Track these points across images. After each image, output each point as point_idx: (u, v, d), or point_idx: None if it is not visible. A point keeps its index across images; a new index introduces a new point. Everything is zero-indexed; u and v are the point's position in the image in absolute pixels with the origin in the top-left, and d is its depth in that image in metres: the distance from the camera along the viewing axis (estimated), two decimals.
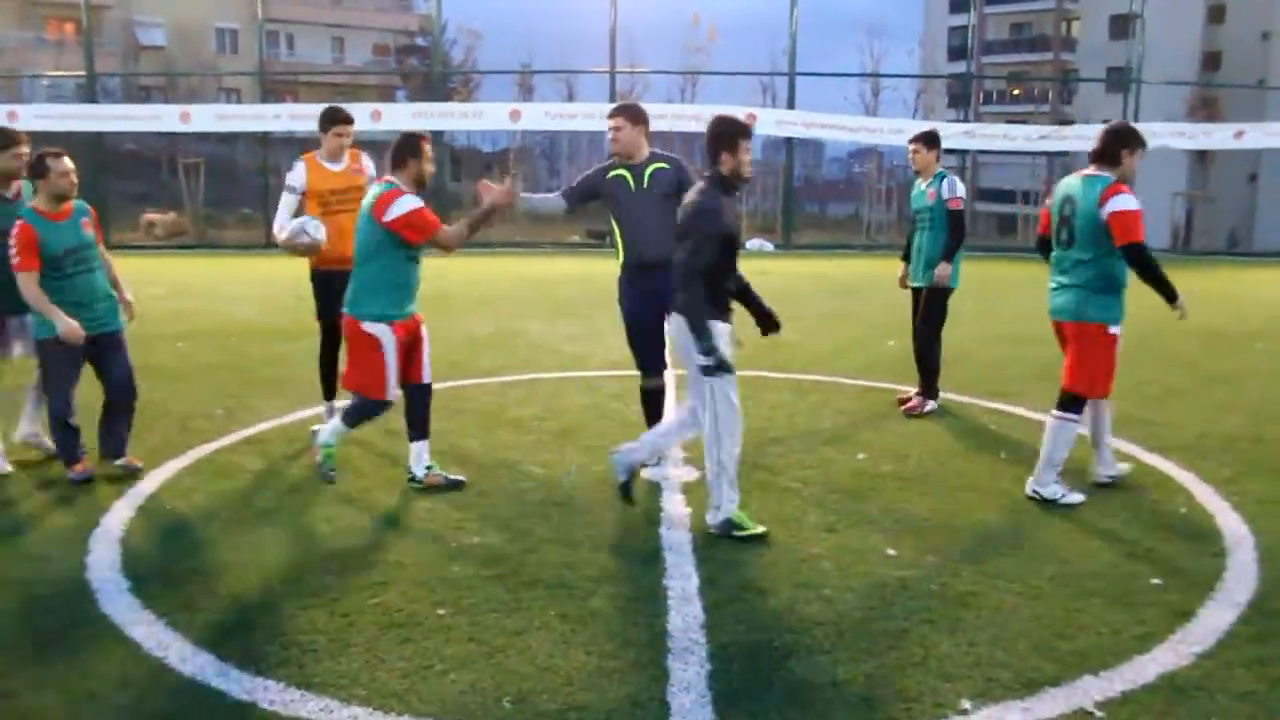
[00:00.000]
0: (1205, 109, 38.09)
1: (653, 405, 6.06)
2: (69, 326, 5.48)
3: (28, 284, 5.45)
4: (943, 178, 7.27)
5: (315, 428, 6.31)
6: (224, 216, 30.13)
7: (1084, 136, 26.57)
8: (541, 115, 26.77)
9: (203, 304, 13.53)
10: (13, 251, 5.42)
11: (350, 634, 3.80)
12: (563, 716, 3.24)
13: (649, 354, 5.94)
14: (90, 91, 26.22)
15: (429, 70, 30.80)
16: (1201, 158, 38.54)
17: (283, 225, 6.34)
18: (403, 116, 27.34)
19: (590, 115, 25.67)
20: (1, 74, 37.21)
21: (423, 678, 3.47)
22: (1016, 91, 54.07)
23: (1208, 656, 3.65)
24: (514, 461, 6.05)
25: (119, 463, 5.80)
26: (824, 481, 5.68)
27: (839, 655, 3.63)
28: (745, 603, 4.08)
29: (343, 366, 5.78)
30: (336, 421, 5.64)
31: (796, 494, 5.44)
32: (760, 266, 18.25)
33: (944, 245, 7.18)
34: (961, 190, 7.30)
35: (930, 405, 7.29)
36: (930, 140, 7.44)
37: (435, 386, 7.96)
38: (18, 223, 5.45)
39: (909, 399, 7.36)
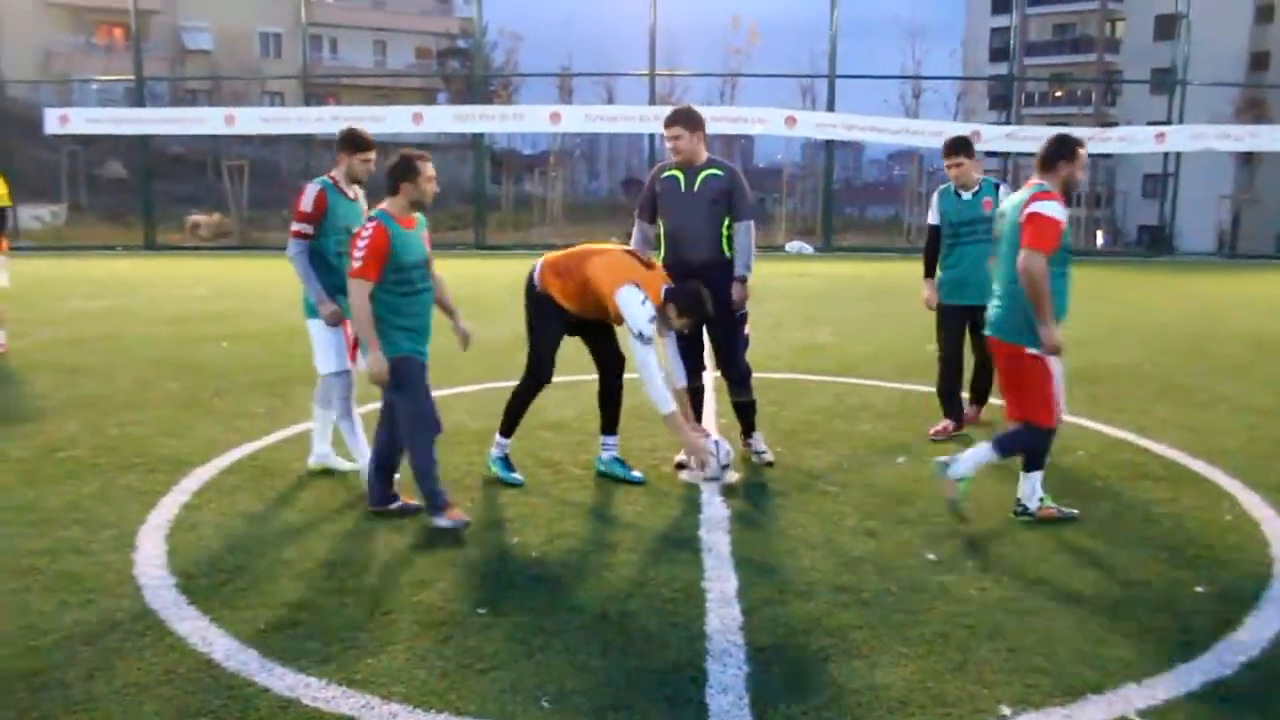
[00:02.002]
0: (1253, 110, 37.46)
1: (692, 406, 6.07)
2: (377, 363, 4.87)
3: (360, 292, 4.83)
4: (995, 186, 6.85)
5: (942, 459, 5.25)
6: (268, 218, 30.50)
7: (1128, 139, 26.30)
8: (581, 118, 26.87)
9: (246, 304, 13.72)
10: (357, 255, 4.84)
11: (391, 632, 3.84)
12: (601, 717, 3.26)
13: (687, 357, 5.95)
14: (138, 95, 26.63)
15: (470, 73, 30.97)
16: (1248, 159, 37.93)
17: None
18: (443, 119, 27.62)
19: (630, 118, 25.76)
20: (53, 78, 37.93)
21: (462, 676, 3.50)
22: (1059, 93, 53.48)
23: (1253, 666, 3.60)
24: (555, 462, 6.09)
25: (394, 506, 5.21)
26: (863, 485, 5.67)
27: (877, 659, 3.62)
28: (784, 605, 4.07)
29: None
30: (984, 451, 5.15)
31: (835, 497, 5.42)
32: (799, 268, 18.25)
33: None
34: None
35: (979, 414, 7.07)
36: (970, 148, 6.88)
37: (474, 389, 8.12)
38: (371, 225, 4.88)
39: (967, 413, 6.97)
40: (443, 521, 4.89)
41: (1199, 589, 4.27)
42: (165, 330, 11.20)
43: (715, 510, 5.23)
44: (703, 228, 5.87)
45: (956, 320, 6.80)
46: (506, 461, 5.76)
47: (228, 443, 6.46)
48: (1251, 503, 5.39)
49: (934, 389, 7.03)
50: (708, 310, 5.45)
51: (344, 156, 5.67)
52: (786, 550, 4.68)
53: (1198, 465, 6.09)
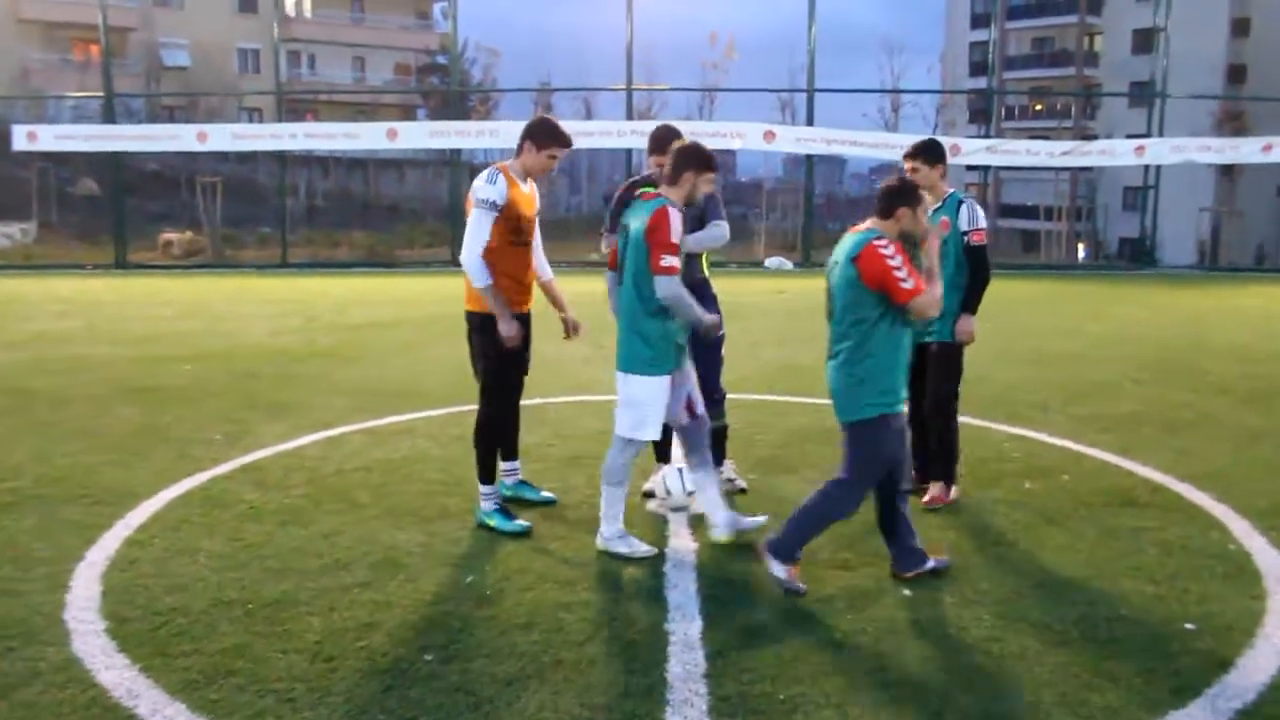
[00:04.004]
0: (1232, 123, 37.61)
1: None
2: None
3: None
4: (958, 202, 5.60)
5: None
6: (244, 236, 30.20)
7: (1108, 152, 26.30)
8: None
9: (213, 324, 13.42)
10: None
11: (331, 681, 3.58)
12: None
13: None
14: (109, 112, 26.29)
15: (446, 89, 30.78)
16: (1227, 172, 38.06)
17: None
18: (419, 135, 27.40)
19: (607, 133, 25.59)
20: (25, 95, 37.55)
21: None
22: (1039, 107, 53.69)
23: (1248, 714, 3.38)
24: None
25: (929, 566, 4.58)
26: None
27: (849, 709, 3.39)
28: (751, 649, 3.83)
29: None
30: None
31: None
32: (779, 285, 18.06)
33: (966, 292, 5.54)
34: (983, 220, 5.61)
35: (954, 493, 5.65)
36: (931, 153, 5.65)
37: (437, 413, 7.88)
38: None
39: (924, 489, 5.61)
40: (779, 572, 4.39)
41: (1188, 626, 4.06)
42: (128, 352, 10.90)
43: (682, 542, 4.99)
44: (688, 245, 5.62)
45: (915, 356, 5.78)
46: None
47: (180, 472, 6.19)
48: (1241, 530, 5.18)
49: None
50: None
51: (690, 176, 4.80)
52: (756, 587, 4.44)
53: (1185, 489, 5.89)
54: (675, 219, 4.61)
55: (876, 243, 4.28)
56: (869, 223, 4.50)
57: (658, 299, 4.62)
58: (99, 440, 6.96)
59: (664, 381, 4.75)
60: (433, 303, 16.33)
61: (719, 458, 5.91)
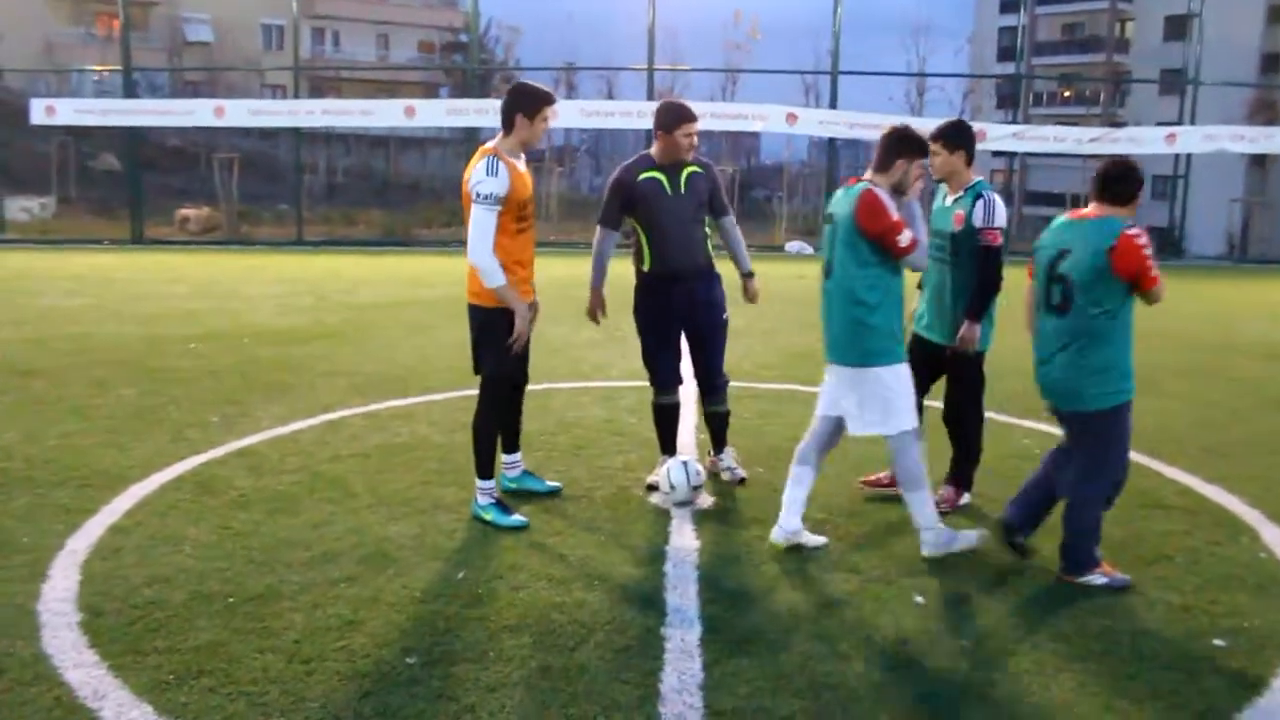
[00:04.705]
0: (1265, 112, 36.91)
1: (667, 422, 5.66)
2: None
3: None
4: (977, 195, 5.05)
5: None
6: (261, 212, 30.09)
7: (1136, 139, 25.83)
8: (577, 113, 26.37)
9: (223, 303, 13.27)
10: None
11: (307, 685, 3.40)
12: None
13: (666, 368, 5.55)
14: (128, 87, 26.19)
15: (466, 67, 30.54)
16: (1259, 162, 37.39)
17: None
18: (437, 113, 27.22)
19: (627, 113, 25.33)
20: (41, 69, 37.59)
21: None
22: (1067, 93, 52.93)
23: None
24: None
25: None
26: (849, 512, 5.21)
27: None
28: (751, 658, 3.63)
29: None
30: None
31: (818, 526, 4.96)
32: (798, 270, 17.78)
33: (971, 296, 5.09)
34: (1003, 217, 5.04)
35: (965, 498, 5.38)
36: (955, 136, 5.13)
37: (441, 398, 7.69)
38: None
39: (941, 492, 5.24)
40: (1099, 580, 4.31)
41: (1217, 642, 3.82)
42: (135, 330, 10.77)
43: (684, 540, 4.78)
44: (694, 232, 5.41)
45: (921, 352, 5.26)
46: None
47: (174, 455, 6.04)
48: (1273, 537, 4.93)
49: (939, 406, 6.37)
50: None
51: (903, 164, 4.55)
52: (760, 590, 4.24)
53: (1213, 491, 5.64)
54: (885, 197, 4.45)
55: (1131, 233, 4.13)
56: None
57: (876, 290, 4.48)
58: (94, 421, 6.81)
59: (905, 365, 4.59)
60: (445, 284, 16.14)
61: (719, 445, 5.74)
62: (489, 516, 4.95)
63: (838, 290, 4.58)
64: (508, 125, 4.86)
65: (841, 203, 4.56)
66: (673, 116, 5.28)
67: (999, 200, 5.08)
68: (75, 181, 32.37)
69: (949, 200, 5.21)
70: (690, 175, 5.34)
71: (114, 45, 40.03)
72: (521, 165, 4.94)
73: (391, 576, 4.32)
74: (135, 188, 25.53)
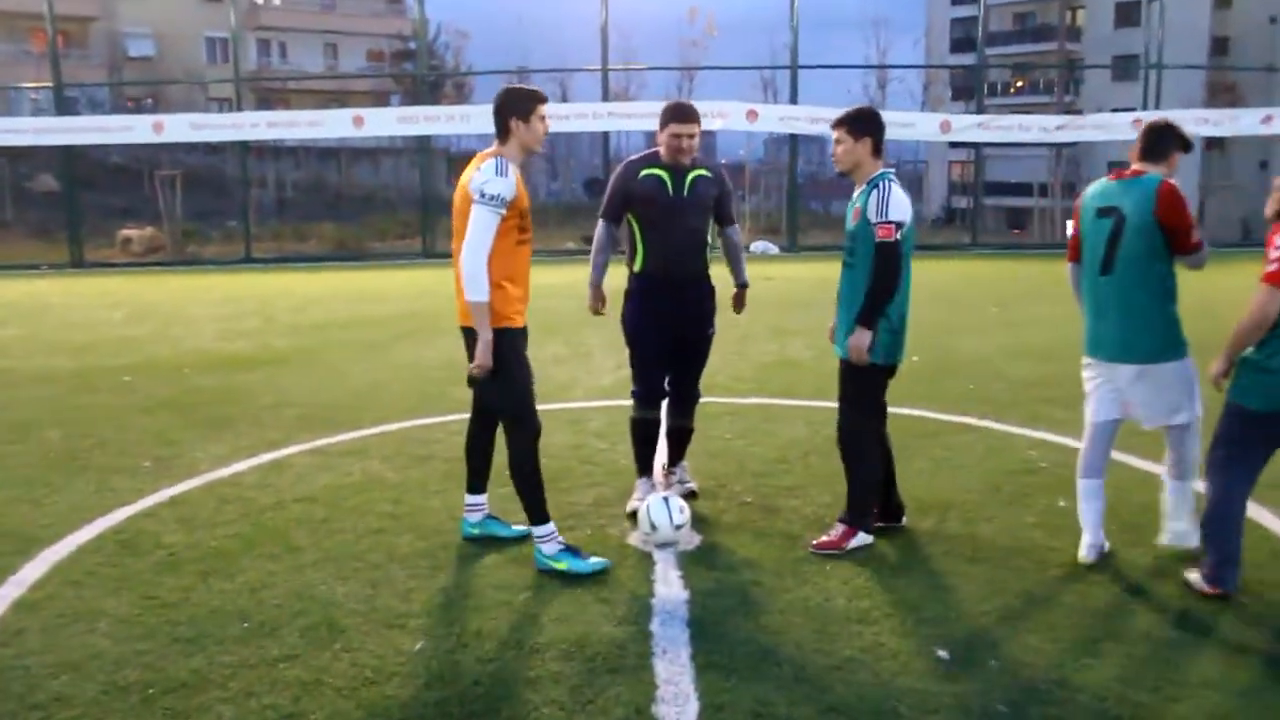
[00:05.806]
0: (1226, 95, 37.07)
1: (647, 441, 5.26)
2: None
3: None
4: (873, 187, 4.50)
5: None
6: (208, 230, 29.20)
7: (1102, 126, 25.68)
8: None
9: (164, 328, 12.56)
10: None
11: None
12: None
13: (656, 382, 5.18)
14: (62, 104, 25.22)
15: (415, 74, 29.79)
16: (1216, 145, 37.51)
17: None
18: (387, 122, 26.57)
19: (582, 115, 24.78)
20: None
21: None
22: (1020, 83, 53.06)
23: None
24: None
25: None
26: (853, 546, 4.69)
27: None
28: None
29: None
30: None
31: (820, 567, 4.45)
32: (764, 271, 17.29)
33: (862, 298, 4.51)
34: (900, 210, 4.43)
35: (858, 539, 4.61)
36: (860, 123, 4.56)
37: (395, 428, 7.11)
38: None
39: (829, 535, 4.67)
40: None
41: (1252, 685, 3.35)
42: (64, 363, 10.05)
43: (672, 591, 4.25)
44: (691, 236, 5.10)
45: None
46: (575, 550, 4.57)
47: (97, 508, 5.42)
48: None
49: (925, 412, 5.97)
50: None
51: (1177, 157, 4.50)
52: (760, 650, 3.71)
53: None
54: (1183, 194, 4.36)
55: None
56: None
57: (1167, 282, 4.33)
58: (9, 472, 6.16)
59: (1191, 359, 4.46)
60: (399, 298, 15.54)
61: (675, 458, 5.45)
62: (563, 566, 4.39)
63: (1122, 287, 4.33)
64: (503, 133, 4.40)
65: (1125, 195, 4.32)
66: (664, 116, 5.03)
67: (896, 190, 4.45)
68: (11, 204, 31.29)
69: (855, 194, 4.65)
70: (696, 178, 5.05)
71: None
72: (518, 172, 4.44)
73: (338, 652, 3.75)
74: (73, 209, 24.56)
